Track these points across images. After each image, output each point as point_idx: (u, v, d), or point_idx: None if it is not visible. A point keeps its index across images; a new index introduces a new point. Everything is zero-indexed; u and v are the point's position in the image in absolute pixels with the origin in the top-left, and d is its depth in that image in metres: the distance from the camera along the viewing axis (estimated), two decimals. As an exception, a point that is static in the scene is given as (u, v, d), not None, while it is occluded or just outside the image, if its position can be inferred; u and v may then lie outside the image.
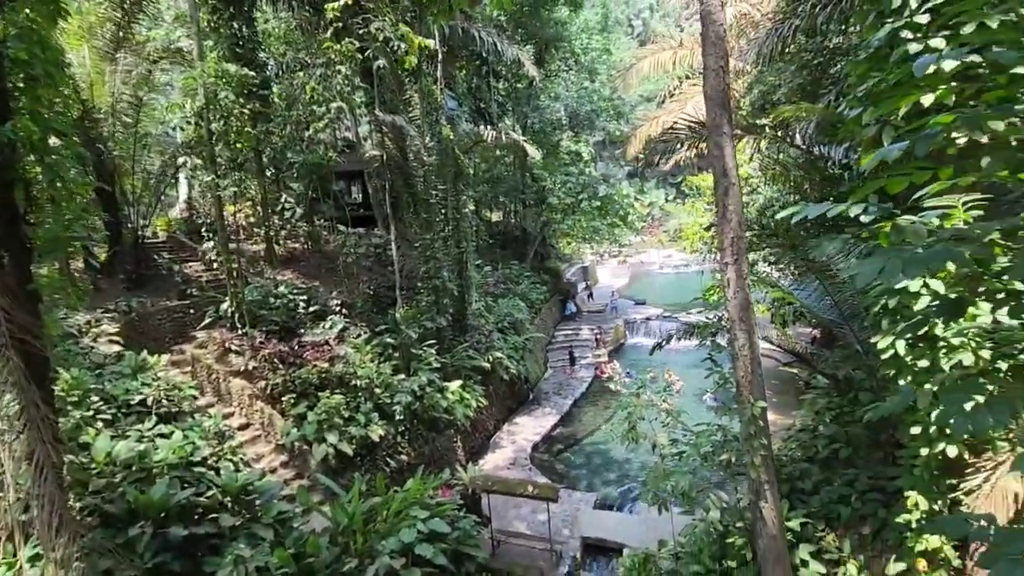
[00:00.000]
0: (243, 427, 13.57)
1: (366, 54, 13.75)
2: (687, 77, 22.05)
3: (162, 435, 11.00)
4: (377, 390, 13.86)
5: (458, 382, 15.55)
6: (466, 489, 12.26)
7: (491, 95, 25.78)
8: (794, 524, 7.75)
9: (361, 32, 13.45)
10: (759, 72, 14.43)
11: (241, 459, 11.72)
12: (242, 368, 14.02)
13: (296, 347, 14.40)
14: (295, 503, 10.40)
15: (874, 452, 8.66)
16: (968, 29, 4.62)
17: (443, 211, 17.16)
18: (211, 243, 14.82)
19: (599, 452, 17.32)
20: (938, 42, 4.77)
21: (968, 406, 3.20)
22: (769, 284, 8.99)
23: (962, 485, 5.69)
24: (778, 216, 3.58)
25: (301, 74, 15.38)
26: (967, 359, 5.05)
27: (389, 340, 15.27)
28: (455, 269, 17.98)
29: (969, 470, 5.71)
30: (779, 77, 14.00)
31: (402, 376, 14.46)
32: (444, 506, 9.88)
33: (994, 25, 4.49)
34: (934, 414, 5.41)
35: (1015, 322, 4.44)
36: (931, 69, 4.79)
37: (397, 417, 13.68)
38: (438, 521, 9.14)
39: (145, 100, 15.76)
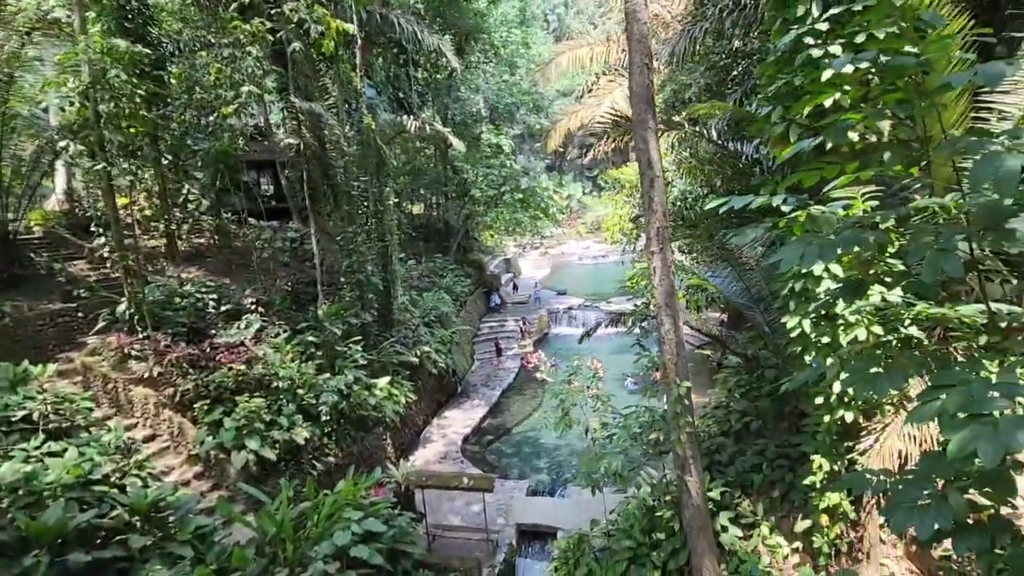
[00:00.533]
0: (149, 439, 12.53)
1: (278, 35, 12.99)
2: (604, 73, 22.77)
3: (52, 453, 9.94)
4: (300, 391, 13.28)
5: (386, 379, 15.22)
6: (399, 486, 12.10)
7: (411, 85, 25.25)
8: (714, 494, 8.34)
9: (272, 12, 12.69)
10: (671, 71, 15.20)
11: (149, 474, 10.84)
12: (145, 375, 12.91)
13: (208, 349, 13.44)
14: (215, 516, 9.76)
15: (780, 423, 9.50)
16: (860, 39, 5.15)
17: (365, 203, 16.65)
18: (102, 239, 13.43)
19: (529, 441, 17.67)
20: (836, 48, 5.28)
21: (869, 374, 3.61)
22: (688, 272, 9.55)
23: (857, 447, 6.40)
24: (707, 207, 3.83)
25: (204, 54, 14.21)
26: (862, 334, 5.66)
27: (311, 338, 14.65)
28: (379, 263, 17.54)
29: (863, 433, 6.44)
30: (689, 76, 14.84)
31: (327, 375, 13.93)
32: (378, 505, 9.69)
33: (881, 36, 5.03)
34: (836, 385, 6.03)
35: (898, 299, 5.04)
36: (829, 74, 5.28)
37: (323, 418, 13.18)
38: (373, 521, 8.95)
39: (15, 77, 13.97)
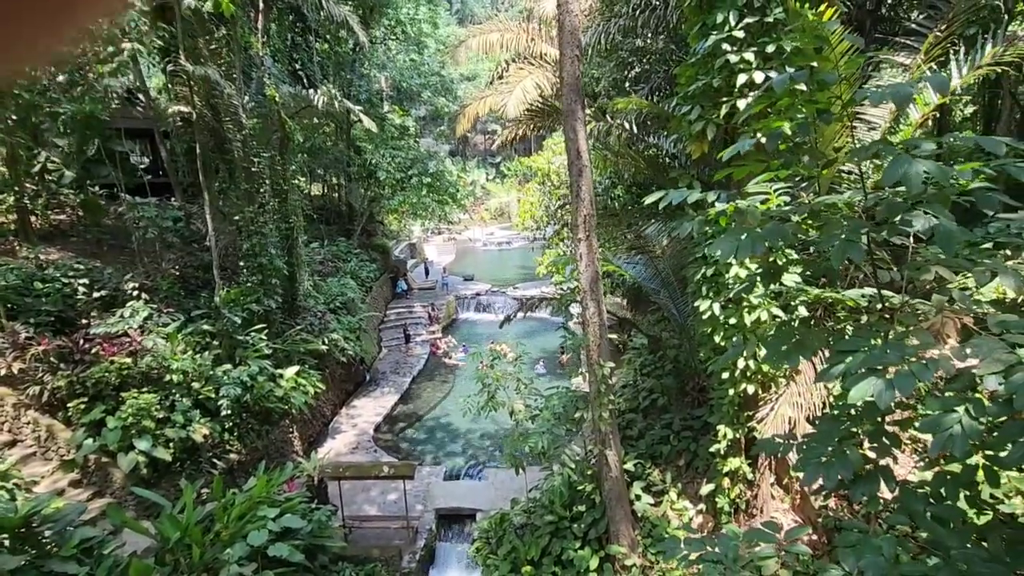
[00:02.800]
0: (9, 445, 11.01)
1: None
2: (513, 61, 22.95)
3: None
4: (196, 384, 12.27)
5: (294, 368, 14.49)
6: (311, 480, 11.67)
7: (311, 56, 23.80)
8: (629, 466, 8.98)
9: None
10: (583, 65, 15.71)
11: (16, 485, 9.52)
12: (2, 372, 11.26)
13: (82, 341, 11.98)
14: (103, 525, 8.82)
15: (684, 398, 10.40)
16: (770, 48, 5.73)
17: (266, 181, 15.55)
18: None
19: (442, 426, 17.72)
20: (749, 55, 5.83)
21: (784, 349, 4.11)
22: (603, 259, 10.07)
23: (756, 416, 7.22)
24: (648, 200, 4.10)
25: None
26: (764, 315, 6.38)
27: (207, 327, 13.54)
28: (283, 246, 16.53)
29: (761, 404, 7.27)
30: (599, 71, 15.44)
31: (227, 366, 12.98)
32: (294, 500, 9.29)
33: (788, 48, 5.64)
34: (741, 361, 6.73)
35: (793, 285, 5.76)
36: (744, 79, 5.78)
37: (224, 412, 12.31)
38: (291, 517, 8.59)
39: None
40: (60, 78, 14.63)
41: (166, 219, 16.48)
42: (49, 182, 16.33)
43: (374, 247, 30.04)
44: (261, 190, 15.31)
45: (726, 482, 7.70)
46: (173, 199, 18.51)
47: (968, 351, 3.10)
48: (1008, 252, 3.57)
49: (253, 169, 15.00)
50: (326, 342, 16.82)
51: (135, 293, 13.62)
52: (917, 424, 3.61)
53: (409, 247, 40.84)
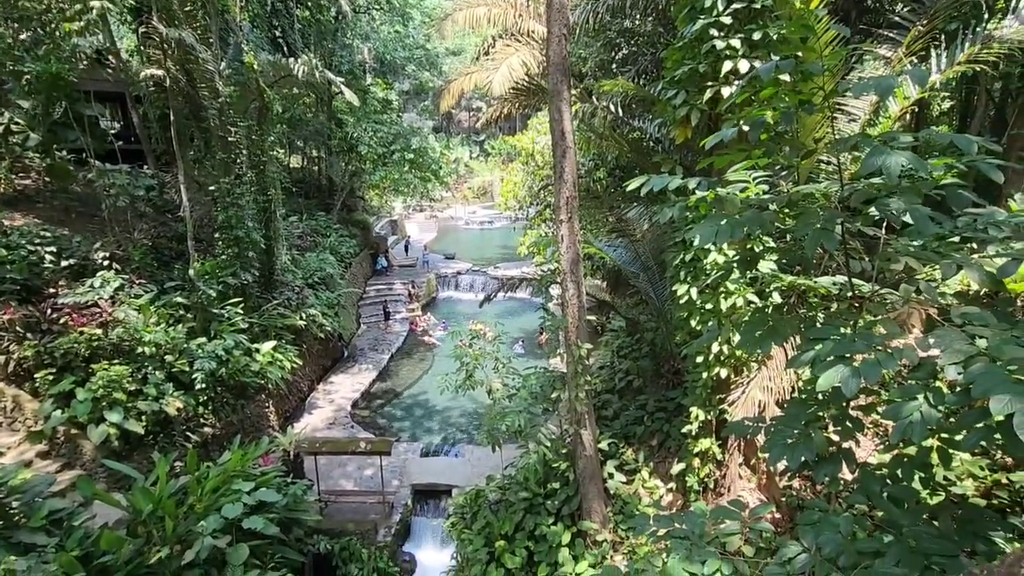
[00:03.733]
0: (-26, 414, 10.73)
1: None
2: (500, 37, 22.58)
3: None
4: (169, 357, 12.09)
5: (271, 343, 14.37)
6: (287, 454, 11.67)
7: (292, 23, 23.09)
8: (603, 445, 9.15)
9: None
10: (570, 45, 15.52)
11: (-20, 455, 9.33)
12: (-35, 341, 10.93)
13: (49, 311, 11.67)
14: (73, 498, 8.72)
15: (659, 380, 10.59)
16: (757, 35, 5.73)
17: (243, 151, 15.18)
18: None
19: (420, 404, 17.83)
20: (736, 42, 5.83)
21: (757, 336, 4.21)
22: (585, 241, 10.11)
23: (728, 399, 7.40)
24: (630, 186, 4.12)
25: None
26: (740, 301, 6.50)
27: (181, 299, 13.30)
28: (260, 219, 16.23)
29: (733, 387, 7.45)
30: (586, 51, 15.28)
31: (202, 340, 12.80)
32: (269, 474, 9.29)
33: (774, 36, 5.64)
34: (715, 345, 6.87)
35: (768, 272, 5.87)
36: (729, 66, 5.79)
37: (198, 386, 12.17)
38: (266, 491, 8.60)
39: None
40: (24, 35, 13.97)
41: (138, 187, 16.02)
42: (13, 145, 15.68)
43: (354, 223, 29.67)
44: (238, 160, 14.95)
45: (696, 462, 7.91)
46: (145, 167, 17.97)
47: (931, 341, 3.21)
48: (974, 246, 3.69)
49: (230, 139, 14.61)
50: (304, 317, 16.68)
51: (105, 263, 13.28)
52: (880, 410, 3.75)
53: (390, 224, 40.41)
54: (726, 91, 5.85)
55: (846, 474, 3.84)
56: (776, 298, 5.85)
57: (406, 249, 34.56)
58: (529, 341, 22.75)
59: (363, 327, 24.16)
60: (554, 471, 8.71)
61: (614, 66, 13.88)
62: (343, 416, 16.22)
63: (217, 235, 14.67)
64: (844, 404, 3.78)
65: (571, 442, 8.77)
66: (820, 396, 3.83)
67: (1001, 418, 2.56)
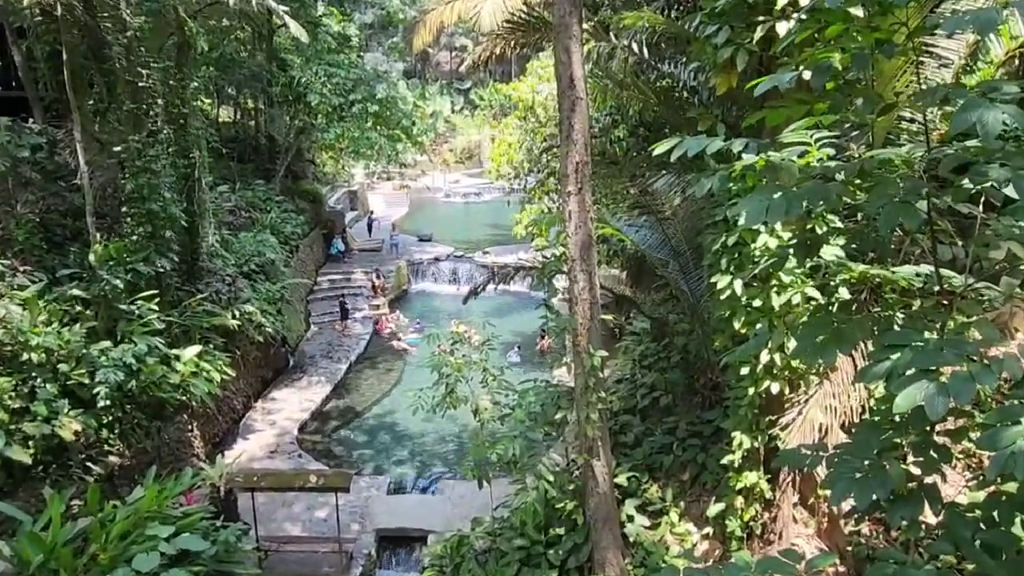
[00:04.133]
0: None
1: None
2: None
3: None
4: (64, 366, 12.08)
5: (195, 348, 14.35)
6: (216, 490, 11.70)
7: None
8: (620, 479, 9.23)
9: None
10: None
11: None
12: None
13: (-95, 307, 11.58)
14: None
15: (692, 397, 10.67)
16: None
17: (158, 101, 15.07)
18: None
19: (386, 426, 17.92)
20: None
21: (818, 342, 4.24)
22: (599, 220, 10.12)
23: (780, 422, 7.46)
24: (657, 150, 4.12)
25: None
26: (796, 297, 6.54)
27: (78, 292, 13.24)
28: (180, 188, 16.15)
29: (787, 406, 7.50)
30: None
31: (105, 344, 12.78)
32: (193, 516, 9.31)
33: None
34: (764, 353, 6.92)
35: (834, 259, 5.90)
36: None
37: (101, 403, 12.18)
38: (190, 537, 8.62)
39: None
40: None
41: (21, 146, 15.85)
42: None
43: (302, 194, 29.57)
44: (152, 113, 14.83)
45: (739, 501, 7.98)
46: (31, 120, 17.77)
47: (1040, 349, 3.24)
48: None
49: (141, 84, 14.48)
50: (237, 315, 16.65)
51: (-21, 244, 13.18)
52: (973, 436, 3.79)
53: (348, 195, 40.28)
54: (782, 27, 5.84)
55: (929, 516, 3.88)
56: (843, 293, 5.88)
57: (369, 228, 34.49)
58: (527, 347, 22.79)
59: (314, 328, 24.12)
60: (558, 513, 8.77)
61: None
62: (288, 442, 16.25)
63: (125, 209, 14.57)
64: (928, 429, 3.81)
65: (580, 476, 8.81)
66: (897, 418, 3.86)
67: None
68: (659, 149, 4.17)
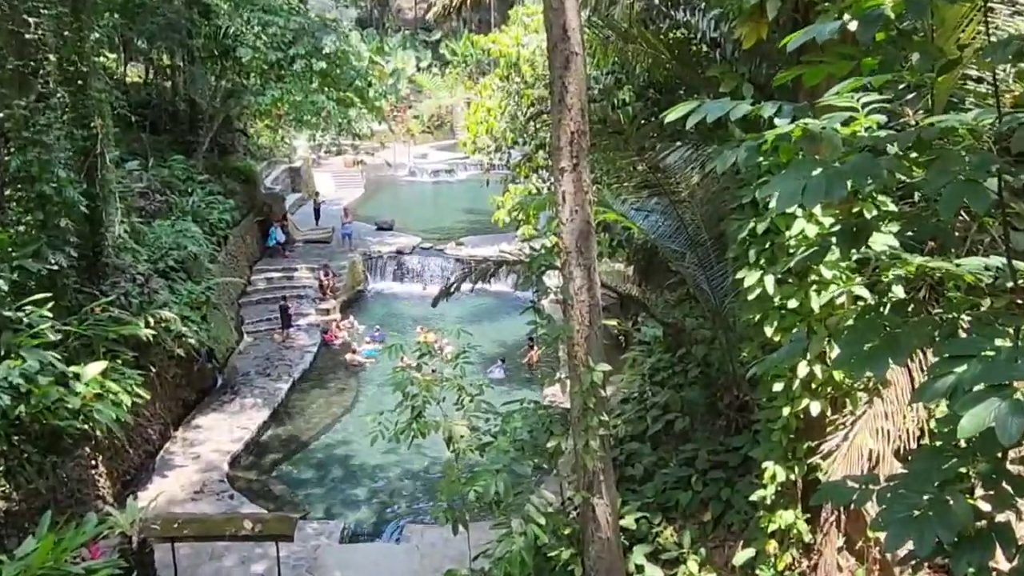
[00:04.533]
0: None
1: None
2: None
3: None
4: (-67, 388, 11.95)
5: (99, 365, 14.28)
6: (127, 541, 11.67)
7: None
8: (628, 521, 9.24)
9: None
10: None
11: None
12: None
13: None
14: None
15: (715, 420, 10.73)
16: None
17: (50, 57, 14.95)
18: None
19: (339, 459, 17.90)
20: None
21: (867, 349, 4.28)
22: (599, 203, 10.15)
23: (821, 448, 7.52)
24: (670, 115, 4.13)
25: None
26: (840, 296, 6.59)
27: (-51, 296, 13.11)
28: (79, 166, 16.01)
29: (830, 429, 7.56)
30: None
31: (-15, 360, 12.67)
32: (99, 574, 9.23)
33: None
34: (802, 365, 6.98)
35: (886, 249, 5.96)
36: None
37: (-20, 434, 12.05)
38: (94, 599, 8.53)
39: None
40: None
41: None
42: None
43: (232, 172, 29.46)
44: (41, 72, 14.71)
45: (772, 546, 8.02)
46: None
47: None
48: None
49: (27, 35, 14.35)
50: (152, 323, 16.58)
51: None
52: (1054, 463, 3.84)
53: (289, 174, 40.10)
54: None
55: (1000, 562, 3.93)
56: (897, 291, 5.95)
57: (316, 215, 34.35)
58: (511, 360, 22.80)
59: (248, 339, 24.05)
60: (551, 563, 8.78)
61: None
62: (217, 480, 16.22)
63: (9, 192, 14.45)
64: (1000, 456, 3.86)
65: (578, 518, 8.82)
66: (963, 444, 3.91)
67: None
68: (672, 115, 4.18)
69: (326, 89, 27.83)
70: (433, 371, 9.75)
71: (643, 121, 10.06)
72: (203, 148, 27.83)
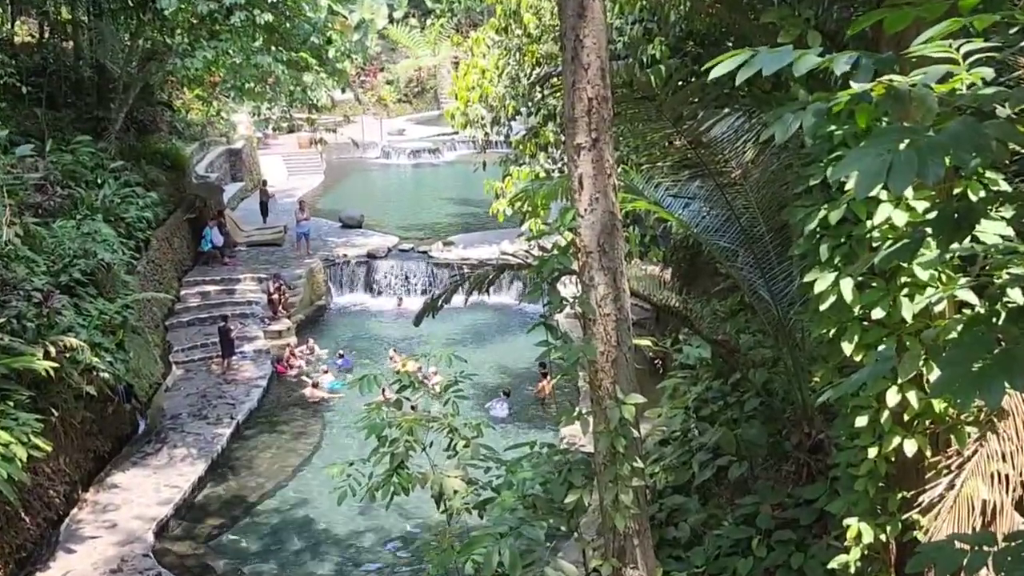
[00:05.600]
0: None
1: None
2: None
3: None
4: None
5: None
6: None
7: None
8: (670, 600, 9.23)
9: None
10: None
11: None
12: None
13: None
14: None
15: (781, 465, 10.70)
16: None
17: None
18: None
19: (296, 524, 17.91)
20: None
21: (975, 371, 4.28)
22: (626, 189, 10.14)
23: (919, 500, 7.46)
24: (715, 71, 4.12)
25: None
26: (940, 303, 6.58)
27: None
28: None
29: (930, 474, 7.51)
30: None
31: None
32: None
33: None
34: (892, 392, 6.96)
35: (999, 242, 5.95)
36: None
37: None
38: None
39: None
40: None
41: None
42: None
43: (153, 157, 29.57)
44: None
45: (857, 628, 8.00)
46: None
47: None
48: None
49: None
50: (53, 354, 16.56)
51: None
52: None
53: (228, 158, 40.26)
54: None
55: None
56: (1014, 295, 5.93)
57: (263, 210, 34.39)
58: (518, 392, 22.76)
59: (178, 371, 24.06)
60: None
61: None
62: (139, 554, 16.16)
63: None
64: None
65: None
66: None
67: None
68: (717, 70, 4.17)
69: (273, 48, 27.88)
70: (414, 407, 9.74)
71: (680, 83, 10.02)
72: (116, 127, 27.87)
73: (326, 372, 24.35)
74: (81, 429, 18.44)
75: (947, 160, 3.76)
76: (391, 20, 62.52)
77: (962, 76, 4.37)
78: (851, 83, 4.06)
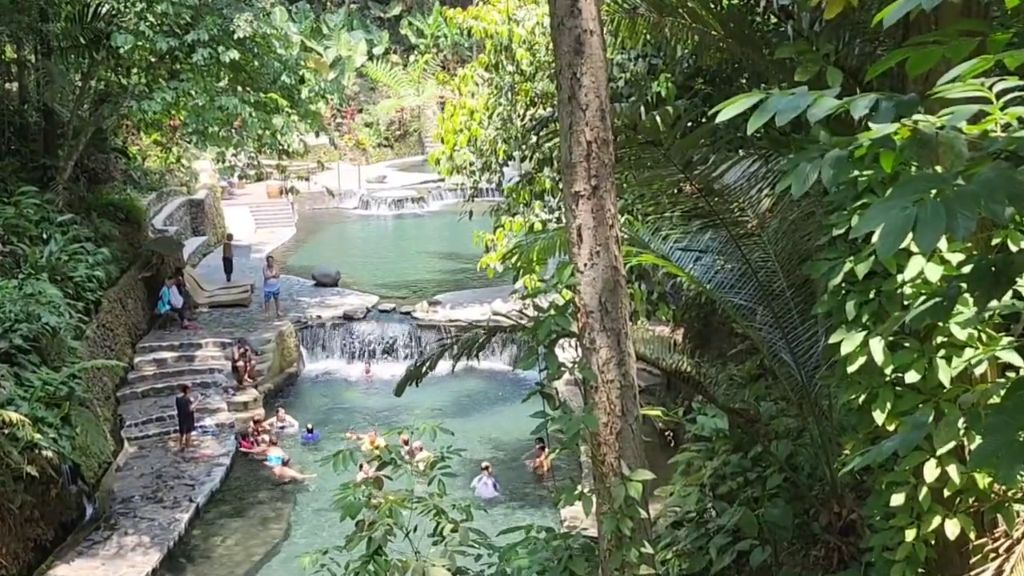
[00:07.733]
0: None
1: None
2: None
3: None
4: None
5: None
6: None
7: None
8: None
9: None
10: None
11: None
12: None
13: None
14: None
15: (808, 549, 10.65)
16: None
17: None
18: None
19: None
20: None
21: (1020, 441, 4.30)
22: (630, 242, 10.20)
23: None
24: (724, 112, 4.18)
25: None
26: (981, 365, 6.60)
27: None
28: None
29: (975, 559, 7.47)
30: None
31: None
32: None
33: None
34: (930, 466, 6.96)
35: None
36: None
37: None
38: None
39: None
40: None
41: None
42: None
43: (106, 209, 29.65)
44: None
45: None
46: None
47: None
48: None
49: None
50: (-10, 430, 16.51)
51: None
52: None
53: (189, 210, 40.38)
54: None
55: None
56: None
57: (227, 267, 34.46)
58: (511, 469, 22.66)
59: (131, 448, 24.05)
60: None
61: None
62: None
63: None
64: None
65: None
66: None
67: None
68: (725, 113, 4.23)
69: (240, 89, 28.12)
70: (396, 489, 9.71)
71: (689, 124, 10.14)
72: (64, 176, 27.98)
73: (273, 444, 24.36)
74: (20, 515, 18.29)
75: (979, 211, 3.82)
76: (370, 57, 63.19)
77: (995, 116, 4.43)
78: (871, 125, 4.12)
